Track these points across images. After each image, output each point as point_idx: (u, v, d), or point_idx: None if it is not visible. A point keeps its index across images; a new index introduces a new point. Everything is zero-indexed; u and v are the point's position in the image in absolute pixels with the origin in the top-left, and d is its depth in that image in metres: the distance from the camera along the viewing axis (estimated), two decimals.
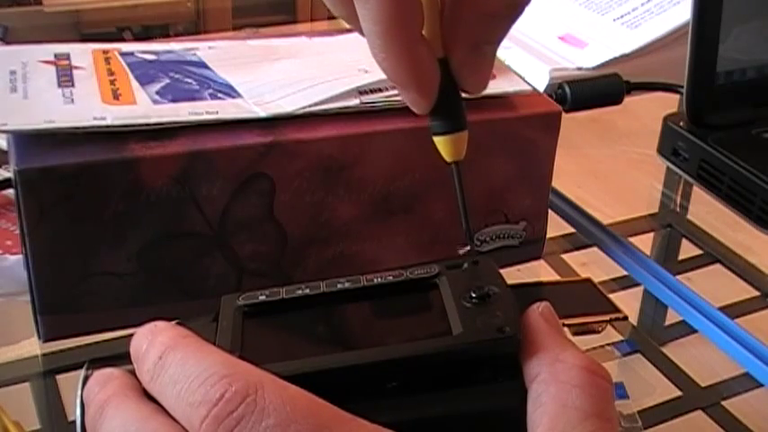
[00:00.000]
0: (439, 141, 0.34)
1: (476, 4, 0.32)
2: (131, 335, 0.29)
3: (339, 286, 0.31)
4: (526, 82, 0.52)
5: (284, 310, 0.30)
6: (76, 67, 0.48)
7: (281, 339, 0.30)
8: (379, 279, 0.31)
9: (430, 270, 0.31)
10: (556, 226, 0.58)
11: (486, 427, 0.28)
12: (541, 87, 0.68)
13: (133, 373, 0.28)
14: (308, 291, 0.30)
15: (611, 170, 0.75)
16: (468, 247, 0.33)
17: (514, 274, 0.52)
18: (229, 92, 0.47)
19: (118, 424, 0.26)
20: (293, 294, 0.30)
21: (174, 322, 0.28)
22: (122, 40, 0.90)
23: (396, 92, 0.48)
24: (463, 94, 0.34)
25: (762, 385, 0.47)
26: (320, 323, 0.30)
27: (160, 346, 0.27)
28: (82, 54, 0.50)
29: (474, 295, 0.29)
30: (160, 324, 0.28)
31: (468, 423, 0.28)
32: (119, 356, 0.29)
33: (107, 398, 0.27)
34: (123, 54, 0.51)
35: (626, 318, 0.48)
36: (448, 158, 0.34)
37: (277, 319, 0.30)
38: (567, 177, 0.60)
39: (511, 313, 0.29)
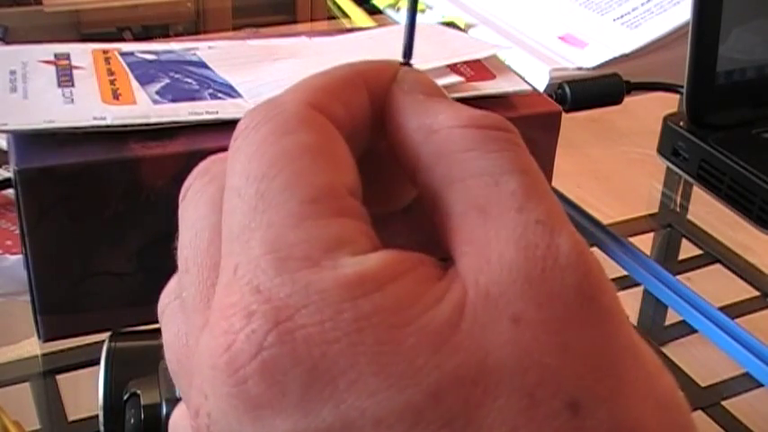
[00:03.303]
0: None
1: None
2: None
3: None
4: (526, 82, 0.52)
5: None
6: (76, 67, 0.48)
7: None
8: None
9: None
10: None
11: None
12: (541, 87, 0.68)
13: None
14: None
15: (611, 170, 0.75)
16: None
17: None
18: (229, 92, 0.47)
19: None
20: None
21: None
22: (122, 40, 0.90)
23: None
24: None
25: (762, 385, 0.47)
26: None
27: None
28: (82, 54, 0.50)
29: None
30: None
31: None
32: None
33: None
34: (123, 54, 0.51)
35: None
36: None
37: None
38: (566, 177, 0.60)
39: None
